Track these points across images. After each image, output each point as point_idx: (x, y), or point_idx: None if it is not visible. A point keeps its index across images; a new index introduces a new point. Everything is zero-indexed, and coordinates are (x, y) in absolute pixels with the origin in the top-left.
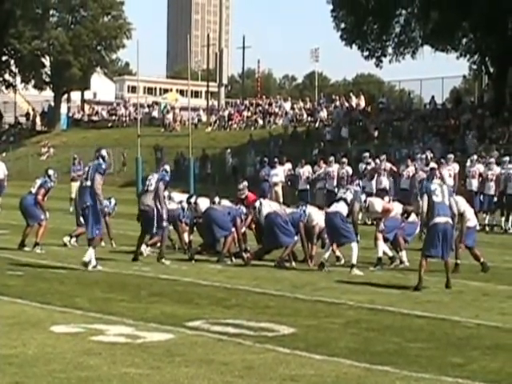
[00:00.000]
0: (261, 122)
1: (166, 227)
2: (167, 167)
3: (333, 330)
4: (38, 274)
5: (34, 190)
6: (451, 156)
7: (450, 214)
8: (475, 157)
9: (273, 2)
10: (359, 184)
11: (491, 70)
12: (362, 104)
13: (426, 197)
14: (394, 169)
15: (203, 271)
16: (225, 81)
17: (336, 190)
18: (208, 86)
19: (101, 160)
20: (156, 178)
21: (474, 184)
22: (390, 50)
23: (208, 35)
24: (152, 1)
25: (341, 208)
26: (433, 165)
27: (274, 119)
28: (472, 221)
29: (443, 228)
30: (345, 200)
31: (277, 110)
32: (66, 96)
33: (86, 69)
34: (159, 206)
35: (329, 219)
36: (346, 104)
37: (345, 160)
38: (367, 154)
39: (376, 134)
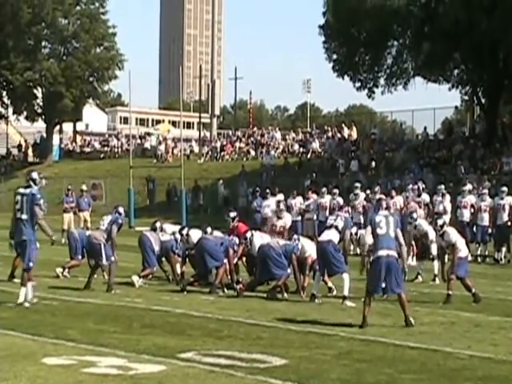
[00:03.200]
0: (253, 152)
1: (113, 261)
2: (121, 209)
3: (324, 361)
4: (30, 305)
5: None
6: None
7: (395, 245)
8: (467, 187)
9: (265, 33)
10: (348, 211)
11: (483, 101)
12: (354, 135)
13: (369, 228)
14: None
15: (195, 302)
16: (217, 112)
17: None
18: (200, 117)
19: (34, 189)
20: (109, 219)
21: (466, 215)
22: (381, 81)
23: (200, 66)
24: (144, 32)
25: (332, 236)
26: (380, 196)
27: (266, 150)
28: (463, 251)
29: (386, 261)
30: (336, 227)
31: (269, 141)
32: (58, 127)
33: (78, 100)
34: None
35: (321, 248)
36: (338, 135)
37: (336, 191)
38: (358, 185)
39: (368, 164)
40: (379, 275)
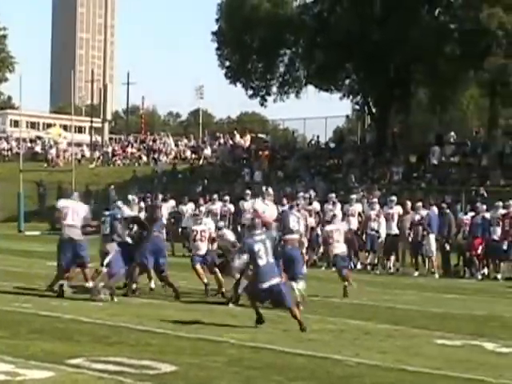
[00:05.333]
0: (145, 158)
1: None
2: (119, 203)
3: (214, 368)
4: None
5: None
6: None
7: (277, 267)
8: (355, 196)
9: (159, 39)
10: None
11: (373, 110)
12: (247, 142)
13: (245, 256)
14: None
15: (85, 308)
16: (109, 116)
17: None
18: (92, 122)
19: None
20: (108, 220)
21: (354, 223)
22: (274, 89)
23: (92, 70)
24: (36, 35)
25: None
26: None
27: (160, 156)
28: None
29: (270, 291)
30: None
31: (161, 146)
32: None
33: None
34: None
35: None
36: (231, 142)
37: (227, 198)
38: (249, 192)
39: (260, 172)
40: (263, 300)
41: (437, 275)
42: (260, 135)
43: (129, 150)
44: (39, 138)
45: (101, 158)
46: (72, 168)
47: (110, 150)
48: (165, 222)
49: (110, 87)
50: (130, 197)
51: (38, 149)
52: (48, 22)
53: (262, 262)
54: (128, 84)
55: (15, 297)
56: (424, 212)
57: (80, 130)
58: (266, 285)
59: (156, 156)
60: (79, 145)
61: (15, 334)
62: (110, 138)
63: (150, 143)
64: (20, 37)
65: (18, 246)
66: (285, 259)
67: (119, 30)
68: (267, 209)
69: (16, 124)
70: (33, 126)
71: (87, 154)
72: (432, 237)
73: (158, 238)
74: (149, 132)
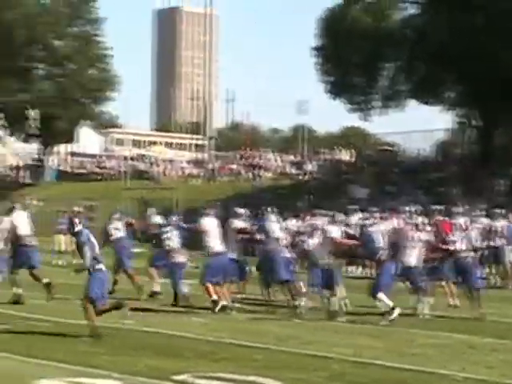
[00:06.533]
0: (248, 174)
1: None
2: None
3: (318, 383)
4: (23, 327)
5: None
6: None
7: None
8: (459, 209)
9: (260, 56)
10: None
11: (477, 122)
12: (349, 157)
13: None
14: None
15: (186, 323)
16: (211, 133)
17: None
18: (195, 139)
19: None
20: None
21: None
22: (375, 104)
23: (194, 88)
24: (138, 54)
25: None
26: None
27: (260, 172)
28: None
29: None
30: None
31: (263, 162)
32: (53, 149)
33: (73, 121)
34: None
35: None
36: (332, 157)
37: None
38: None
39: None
40: None
41: None
42: (386, 147)
43: (231, 166)
44: (143, 155)
45: (204, 174)
46: (176, 186)
47: (213, 166)
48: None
49: (211, 105)
50: (238, 210)
51: (141, 167)
52: (148, 40)
53: None
54: (230, 101)
55: (117, 312)
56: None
57: (183, 147)
58: None
59: (258, 172)
60: (182, 162)
61: (120, 350)
62: (213, 155)
63: (253, 159)
64: (123, 56)
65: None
66: None
67: (220, 46)
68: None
69: (120, 142)
70: (136, 144)
71: (190, 171)
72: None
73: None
74: (251, 148)
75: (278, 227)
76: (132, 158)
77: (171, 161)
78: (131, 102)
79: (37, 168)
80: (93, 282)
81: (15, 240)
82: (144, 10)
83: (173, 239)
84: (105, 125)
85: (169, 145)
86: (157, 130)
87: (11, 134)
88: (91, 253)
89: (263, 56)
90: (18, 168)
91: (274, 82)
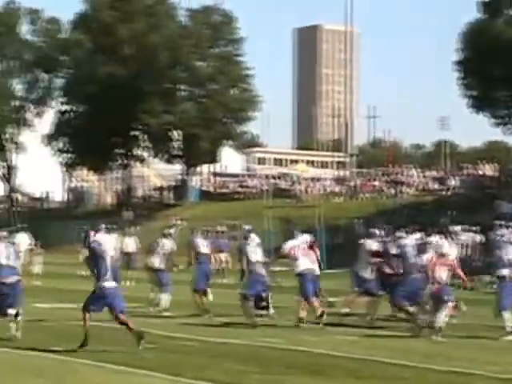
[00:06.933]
0: (390, 190)
1: None
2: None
3: None
4: (169, 346)
5: None
6: None
7: None
8: None
9: (401, 71)
10: None
11: None
12: (492, 172)
13: None
14: None
15: (334, 342)
16: (353, 151)
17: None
18: (336, 157)
19: None
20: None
21: None
22: None
23: (335, 106)
24: (278, 73)
25: None
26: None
27: (403, 188)
28: None
29: None
30: None
31: (406, 179)
32: (195, 169)
33: (215, 141)
34: None
35: None
36: (476, 172)
37: (475, 228)
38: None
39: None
40: None
41: None
42: None
43: (373, 183)
44: (285, 174)
45: (346, 192)
46: (318, 203)
47: (355, 183)
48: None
49: (352, 122)
50: (374, 231)
51: (283, 185)
52: (289, 59)
53: None
54: (371, 118)
55: (265, 332)
56: None
57: (324, 164)
58: None
59: (400, 188)
60: (324, 180)
61: (268, 369)
62: (355, 172)
63: (395, 176)
64: (264, 75)
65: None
66: None
67: (361, 63)
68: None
69: (262, 161)
70: (278, 162)
71: (332, 188)
72: None
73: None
74: (393, 164)
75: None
76: (274, 177)
77: (313, 178)
78: (272, 120)
79: (180, 188)
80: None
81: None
82: (284, 29)
83: (257, 252)
84: (246, 144)
85: (310, 163)
86: (298, 148)
87: (155, 156)
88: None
89: (404, 72)
90: (161, 189)
91: (415, 98)
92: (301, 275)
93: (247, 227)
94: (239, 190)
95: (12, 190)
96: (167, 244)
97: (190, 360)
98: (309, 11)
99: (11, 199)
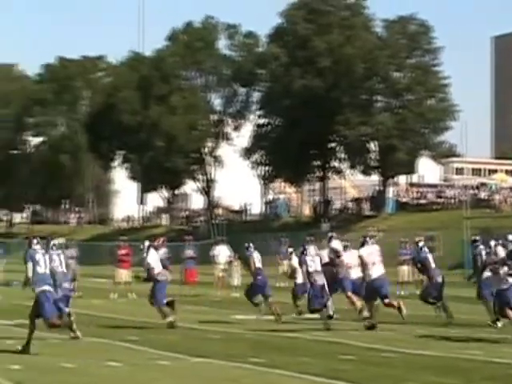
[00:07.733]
0: None
1: None
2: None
3: None
4: (368, 357)
5: None
6: None
7: None
8: None
9: None
10: None
11: None
12: None
13: None
14: None
15: None
16: None
17: None
18: None
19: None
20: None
21: None
22: None
23: None
24: (476, 82)
25: None
26: None
27: None
28: None
29: None
30: None
31: None
32: (392, 180)
33: (412, 152)
34: None
35: None
36: None
37: None
38: None
39: None
40: None
41: None
42: None
43: None
44: (483, 184)
45: None
46: None
47: None
48: None
49: None
50: None
51: (482, 195)
52: (486, 67)
53: None
54: None
55: (464, 344)
56: None
57: None
58: None
59: None
60: None
61: (468, 381)
62: None
63: None
64: (461, 84)
65: (465, 294)
66: None
67: None
68: None
69: (460, 171)
70: (476, 172)
71: None
72: None
73: None
74: None
75: None
76: (472, 187)
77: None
78: (470, 129)
79: (377, 199)
80: None
81: None
82: (482, 37)
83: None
84: (444, 154)
85: (510, 172)
86: (497, 157)
87: (351, 167)
88: None
89: None
90: (358, 200)
91: None
92: None
93: (307, 238)
94: (437, 200)
95: (211, 203)
96: None
97: (388, 371)
98: (507, 19)
99: (210, 212)
